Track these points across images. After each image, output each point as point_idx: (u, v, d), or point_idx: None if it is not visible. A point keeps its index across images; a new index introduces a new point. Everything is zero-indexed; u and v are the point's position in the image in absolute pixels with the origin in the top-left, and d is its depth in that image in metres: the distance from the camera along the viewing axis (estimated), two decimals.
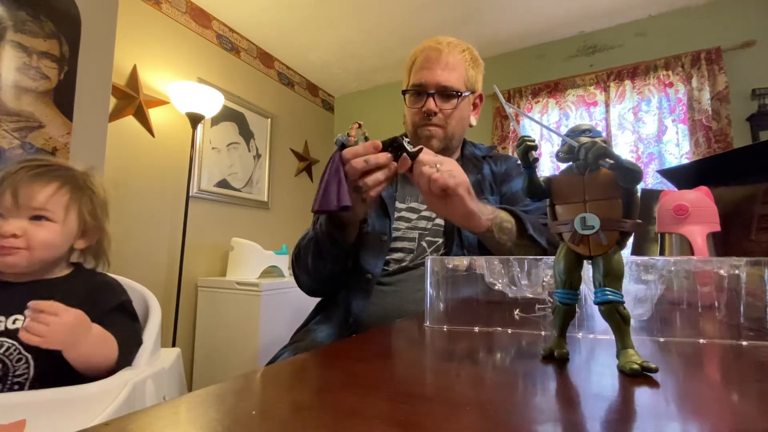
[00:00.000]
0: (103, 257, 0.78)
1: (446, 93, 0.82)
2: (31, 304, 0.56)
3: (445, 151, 0.86)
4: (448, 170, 0.58)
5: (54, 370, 0.60)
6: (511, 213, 0.69)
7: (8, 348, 0.60)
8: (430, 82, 0.82)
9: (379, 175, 0.58)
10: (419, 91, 0.84)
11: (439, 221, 0.81)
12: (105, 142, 1.36)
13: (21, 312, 0.63)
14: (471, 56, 0.86)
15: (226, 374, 1.88)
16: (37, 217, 0.66)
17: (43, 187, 0.66)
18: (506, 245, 0.67)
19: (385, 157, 0.57)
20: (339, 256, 0.71)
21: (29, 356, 0.61)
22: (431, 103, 0.81)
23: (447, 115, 0.83)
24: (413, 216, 0.83)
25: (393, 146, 0.58)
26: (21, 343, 0.60)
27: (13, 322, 0.62)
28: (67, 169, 0.72)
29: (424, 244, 0.79)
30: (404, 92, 0.88)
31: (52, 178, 0.68)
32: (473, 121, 0.90)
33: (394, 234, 0.80)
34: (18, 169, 0.66)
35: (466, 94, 0.84)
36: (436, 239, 0.80)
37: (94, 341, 0.63)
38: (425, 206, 0.83)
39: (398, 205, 0.84)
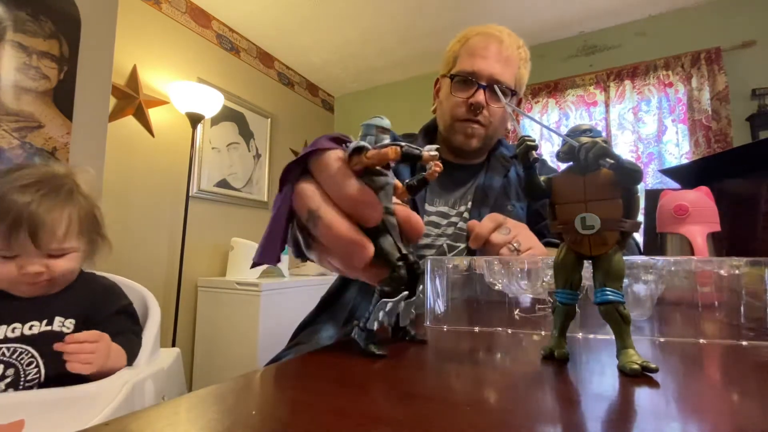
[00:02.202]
0: (92, 259, 0.77)
1: (499, 88, 0.71)
2: (74, 337, 0.60)
3: (478, 152, 0.79)
4: (528, 249, 0.51)
5: (63, 374, 0.61)
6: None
7: (21, 353, 0.62)
8: (484, 73, 0.71)
9: None
10: (468, 80, 0.72)
11: (463, 225, 0.75)
12: (105, 142, 1.36)
13: (37, 319, 0.66)
14: (525, 54, 0.77)
15: (226, 374, 1.87)
16: (57, 256, 0.67)
17: (58, 224, 0.66)
18: None
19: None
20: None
21: (41, 361, 0.63)
22: (481, 96, 0.71)
23: (494, 113, 0.74)
24: (443, 221, 0.76)
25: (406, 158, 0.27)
26: (34, 347, 0.63)
27: (30, 328, 0.64)
28: (62, 182, 0.70)
29: (444, 247, 0.75)
30: (451, 77, 0.74)
31: (62, 208, 0.67)
32: (509, 124, 0.81)
33: (424, 241, 0.73)
34: (27, 201, 0.63)
35: (516, 94, 0.75)
36: (458, 244, 0.75)
37: (114, 357, 0.67)
38: (455, 211, 0.77)
39: (428, 207, 0.77)
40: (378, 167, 0.25)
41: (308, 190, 0.25)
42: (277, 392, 0.18)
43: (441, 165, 0.25)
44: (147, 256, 1.84)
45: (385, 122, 0.26)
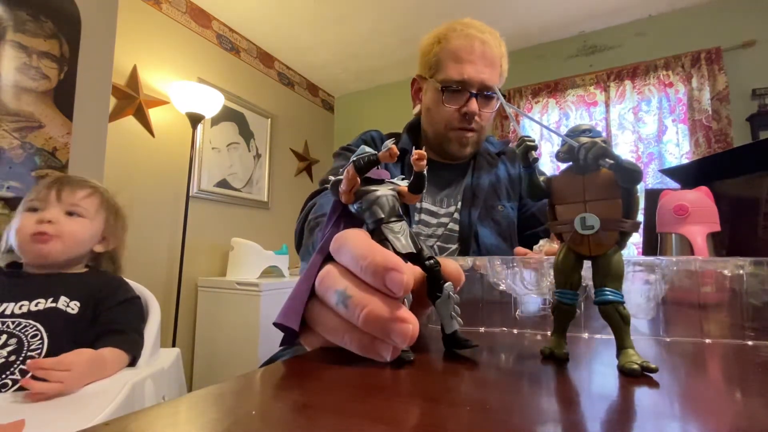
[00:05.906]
0: (118, 265, 0.88)
1: (487, 94, 0.72)
2: (40, 363, 0.57)
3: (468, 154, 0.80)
4: None
5: (65, 351, 0.62)
6: None
7: (25, 326, 0.66)
8: (474, 81, 0.71)
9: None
10: (459, 89, 0.73)
11: (453, 226, 0.74)
12: (105, 142, 1.36)
13: (43, 297, 0.70)
14: (504, 48, 0.78)
15: (226, 374, 1.87)
16: (71, 213, 0.76)
17: (81, 188, 0.80)
18: None
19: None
20: None
21: (45, 335, 0.66)
22: (474, 105, 0.71)
23: (485, 118, 0.74)
24: (432, 221, 0.75)
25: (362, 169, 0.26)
26: (39, 322, 0.67)
27: (36, 305, 0.69)
28: (100, 185, 0.86)
29: (435, 248, 0.74)
30: (442, 89, 0.73)
31: (88, 185, 0.82)
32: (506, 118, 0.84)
33: None
34: (59, 177, 0.81)
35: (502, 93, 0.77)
36: (449, 245, 0.74)
37: (110, 366, 0.68)
38: (444, 211, 0.77)
39: (416, 206, 0.77)
40: (363, 186, 0.26)
41: (333, 271, 0.24)
42: (277, 392, 0.18)
43: (423, 153, 0.24)
44: (147, 256, 1.84)
45: (367, 150, 0.25)
